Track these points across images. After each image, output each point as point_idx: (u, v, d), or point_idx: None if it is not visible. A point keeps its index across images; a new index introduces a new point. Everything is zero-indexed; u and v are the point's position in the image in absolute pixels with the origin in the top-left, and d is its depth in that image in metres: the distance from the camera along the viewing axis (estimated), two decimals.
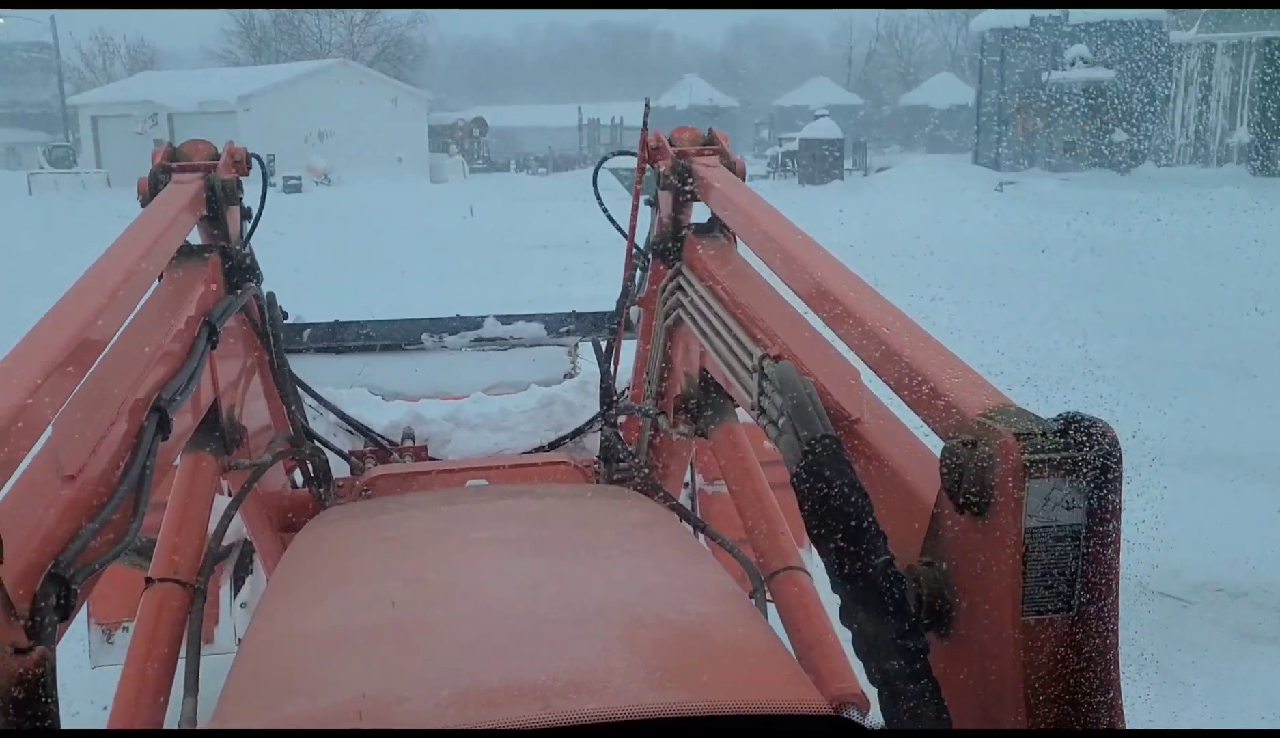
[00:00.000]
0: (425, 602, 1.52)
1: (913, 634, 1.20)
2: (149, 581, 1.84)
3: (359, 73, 44.51)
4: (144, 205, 2.16)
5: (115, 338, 1.66)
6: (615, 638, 1.35)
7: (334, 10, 54.09)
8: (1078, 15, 32.95)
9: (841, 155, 33.09)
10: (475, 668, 1.29)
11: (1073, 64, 32.84)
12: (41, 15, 53.87)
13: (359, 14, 54.25)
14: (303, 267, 10.58)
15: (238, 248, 2.33)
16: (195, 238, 2.28)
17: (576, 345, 4.00)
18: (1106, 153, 31.79)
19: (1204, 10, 31.96)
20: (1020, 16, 33.99)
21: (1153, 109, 33.10)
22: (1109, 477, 1.10)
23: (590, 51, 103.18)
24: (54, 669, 1.15)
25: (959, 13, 60.77)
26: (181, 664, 1.73)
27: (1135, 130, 32.21)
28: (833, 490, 1.31)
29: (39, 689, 1.13)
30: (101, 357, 1.59)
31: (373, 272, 14.84)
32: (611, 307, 2.92)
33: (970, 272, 13.99)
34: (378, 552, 1.80)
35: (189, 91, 40.83)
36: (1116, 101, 31.59)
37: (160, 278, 2.07)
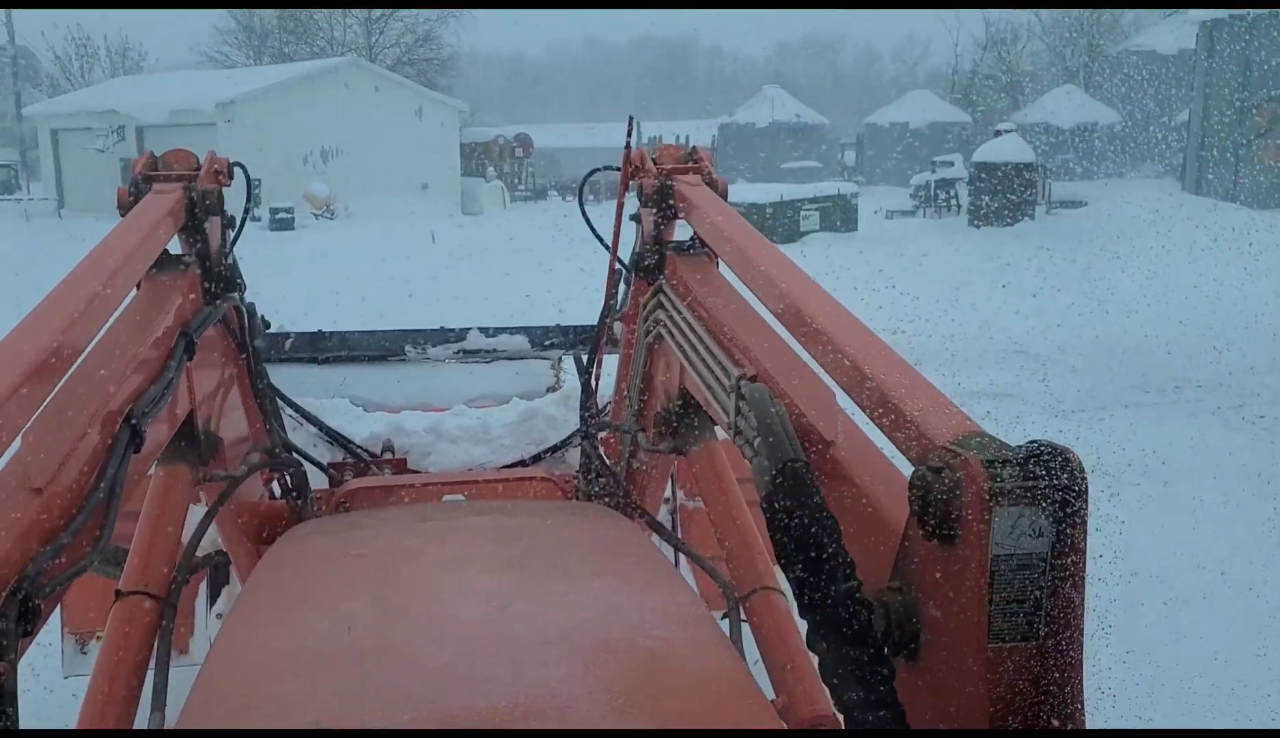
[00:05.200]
0: (391, 622, 1.51)
1: (875, 662, 1.20)
2: (119, 593, 1.80)
3: (374, 75, 35.45)
4: (123, 215, 2.11)
5: (89, 348, 1.63)
6: (579, 662, 1.35)
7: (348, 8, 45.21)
8: None
9: (1035, 186, 23.99)
10: (437, 692, 1.29)
11: None
12: (28, 22, 46.11)
13: (377, 10, 45.27)
14: None
15: (218, 259, 2.28)
16: (176, 247, 2.23)
17: (560, 359, 3.85)
18: None
19: None
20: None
21: None
22: (1074, 505, 1.09)
23: (630, 68, 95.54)
24: (14, 686, 1.17)
25: (1089, 16, 51.86)
26: (151, 677, 1.72)
27: None
28: (797, 517, 1.31)
29: (1, 704, 1.12)
30: (74, 367, 1.55)
31: None
32: None
33: None
34: (347, 569, 1.78)
35: (162, 99, 32.31)
36: None
37: (138, 288, 2.03)
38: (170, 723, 1.47)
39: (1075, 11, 53.33)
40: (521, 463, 3.26)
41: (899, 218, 26.60)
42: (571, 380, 3.56)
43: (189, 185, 2.20)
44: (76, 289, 1.61)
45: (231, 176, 2.39)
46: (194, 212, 2.17)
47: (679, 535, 3.19)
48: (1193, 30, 47.46)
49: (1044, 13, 54.35)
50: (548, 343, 3.80)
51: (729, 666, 1.43)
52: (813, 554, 1.27)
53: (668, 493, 3.21)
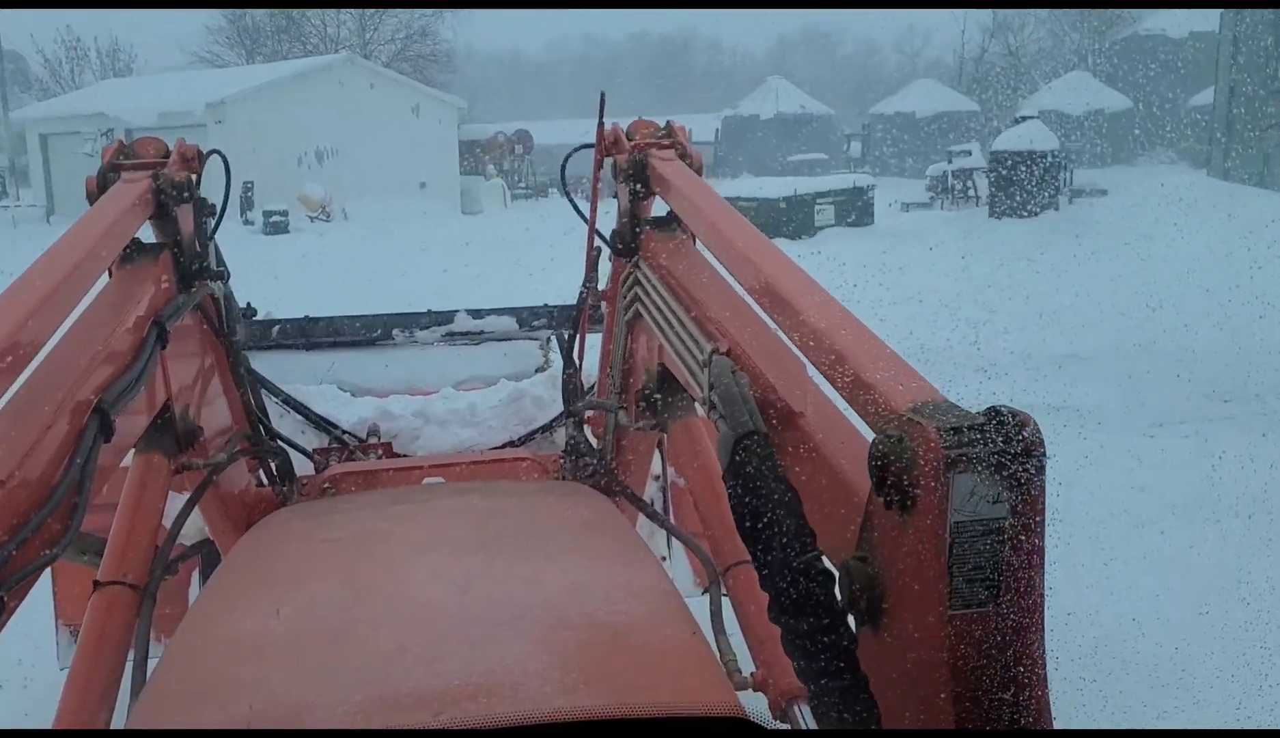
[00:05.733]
0: (354, 605, 1.51)
1: (834, 631, 1.21)
2: (97, 583, 1.80)
3: (369, 72, 34.45)
4: (91, 204, 2.10)
5: (55, 338, 1.62)
6: (537, 640, 1.35)
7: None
8: None
9: (1059, 175, 23.02)
10: (392, 673, 1.29)
11: None
12: (15, 25, 45.16)
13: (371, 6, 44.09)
14: None
15: (191, 246, 2.26)
16: (150, 236, 2.23)
17: (549, 339, 3.82)
18: None
19: None
20: None
21: None
22: (1032, 471, 1.09)
23: (629, 63, 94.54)
24: None
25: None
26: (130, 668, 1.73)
27: None
28: (756, 488, 1.32)
29: None
30: (39, 357, 1.55)
31: None
32: None
33: None
34: (316, 553, 1.77)
35: (151, 101, 31.38)
36: None
37: (110, 277, 2.04)
38: None
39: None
40: (510, 444, 3.20)
41: (915, 210, 25.64)
42: (559, 360, 3.51)
43: (157, 173, 2.16)
44: (37, 280, 1.59)
45: (203, 164, 2.34)
46: (162, 199, 2.14)
47: (670, 513, 3.16)
48: (1204, 13, 46.32)
49: None
50: (535, 323, 3.74)
51: (687, 639, 1.43)
52: (767, 527, 1.28)
53: (658, 471, 3.18)
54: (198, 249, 2.26)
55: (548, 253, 10.94)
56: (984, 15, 52.92)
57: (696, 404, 2.12)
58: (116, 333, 1.79)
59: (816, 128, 47.38)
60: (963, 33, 52.81)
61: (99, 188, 2.15)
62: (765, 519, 1.28)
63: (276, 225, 25.48)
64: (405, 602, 1.49)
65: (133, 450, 2.00)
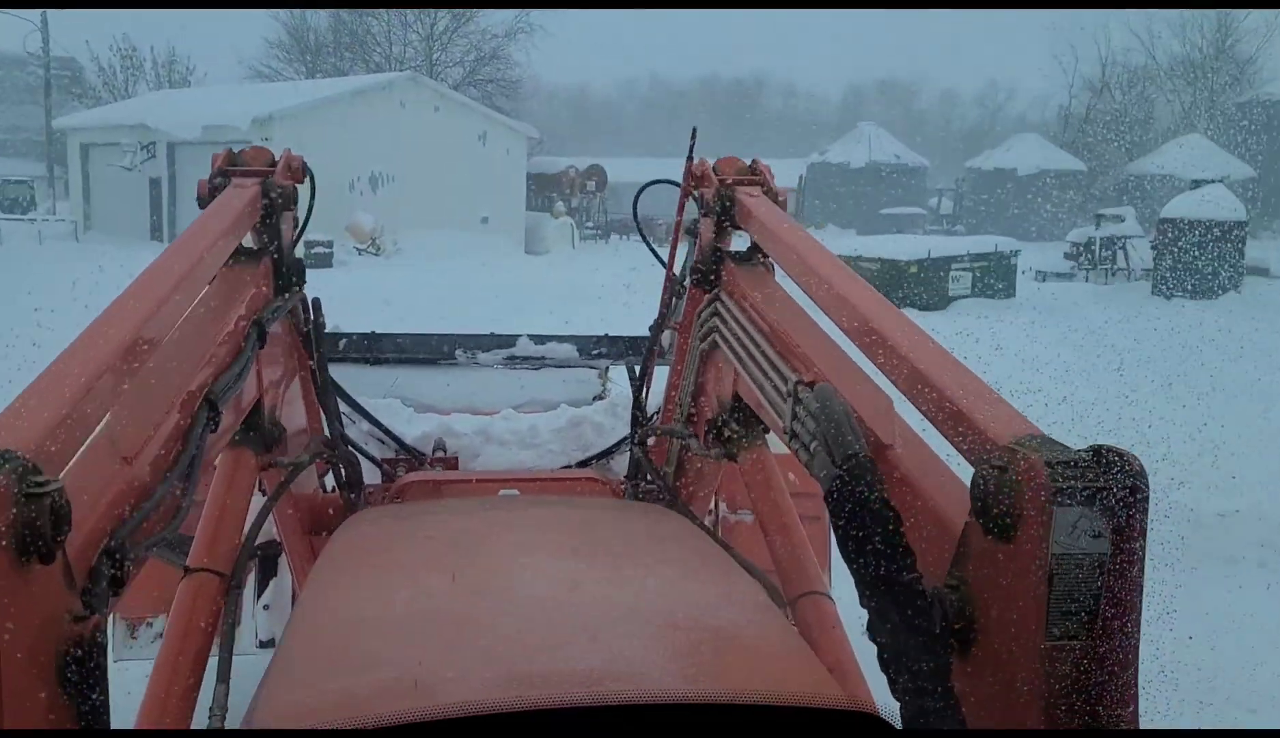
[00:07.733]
0: (467, 594, 1.56)
1: (933, 651, 1.24)
2: (186, 570, 1.89)
3: (433, 93, 31.50)
4: (202, 208, 2.21)
5: (172, 330, 1.73)
6: (650, 637, 1.38)
7: (407, 16, 41.48)
8: None
9: (1242, 250, 19.32)
10: (518, 655, 1.33)
11: None
12: (72, 30, 43.46)
13: (441, 22, 41.37)
14: None
15: (289, 253, 2.37)
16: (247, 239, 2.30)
17: (607, 368, 3.94)
18: None
19: None
20: None
21: None
22: (1135, 507, 1.11)
23: (697, 106, 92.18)
24: (106, 638, 1.23)
25: (1210, 62, 47.27)
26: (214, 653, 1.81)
27: None
28: (865, 507, 1.35)
29: (93, 655, 1.19)
30: (159, 348, 1.65)
31: None
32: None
33: None
34: (418, 549, 1.84)
35: (196, 115, 28.79)
36: None
37: (215, 277, 2.14)
38: (234, 699, 1.54)
39: (1197, 55, 48.73)
40: (569, 468, 3.30)
41: (1054, 280, 22.01)
42: (617, 389, 3.70)
43: (266, 181, 2.26)
44: (163, 276, 1.69)
45: (305, 174, 2.46)
46: (269, 206, 2.24)
47: None
48: None
49: (1163, 55, 49.82)
50: (595, 352, 3.85)
51: (795, 645, 1.47)
52: (880, 542, 1.30)
53: (710, 506, 3.18)
54: (293, 256, 2.35)
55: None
56: (1091, 71, 49.35)
57: (768, 435, 2.21)
58: (222, 331, 1.88)
59: (907, 179, 43.90)
60: (1070, 86, 49.17)
61: (209, 192, 2.24)
62: (876, 535, 1.29)
63: (319, 257, 22.50)
64: (517, 595, 1.52)
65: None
